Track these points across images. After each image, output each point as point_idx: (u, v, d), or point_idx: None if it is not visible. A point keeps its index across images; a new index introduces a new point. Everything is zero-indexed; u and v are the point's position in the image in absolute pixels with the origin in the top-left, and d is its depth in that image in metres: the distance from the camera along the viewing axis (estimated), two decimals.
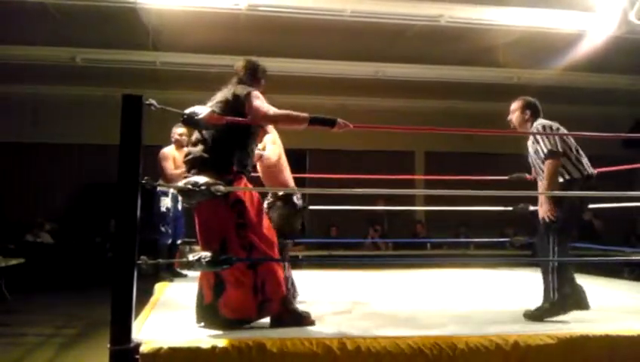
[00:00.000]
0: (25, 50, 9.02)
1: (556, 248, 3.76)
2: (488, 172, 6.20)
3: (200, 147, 3.28)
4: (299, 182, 5.26)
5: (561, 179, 3.87)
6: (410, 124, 10.07)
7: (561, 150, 3.84)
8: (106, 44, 9.10)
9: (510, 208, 5.77)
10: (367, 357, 2.73)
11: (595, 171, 3.98)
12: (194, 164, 3.24)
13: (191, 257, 2.97)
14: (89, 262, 10.11)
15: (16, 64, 9.41)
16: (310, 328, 3.22)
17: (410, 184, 12.25)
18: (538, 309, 3.67)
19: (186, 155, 3.35)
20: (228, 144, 3.26)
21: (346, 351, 2.73)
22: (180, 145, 6.01)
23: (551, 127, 3.95)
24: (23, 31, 8.55)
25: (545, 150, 3.84)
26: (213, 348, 2.65)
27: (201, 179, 2.94)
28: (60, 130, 11.54)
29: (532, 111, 4.12)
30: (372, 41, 9.23)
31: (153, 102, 2.84)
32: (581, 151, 3.98)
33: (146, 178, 2.74)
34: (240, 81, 3.47)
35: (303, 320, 3.30)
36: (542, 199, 3.86)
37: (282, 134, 4.32)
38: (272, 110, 3.29)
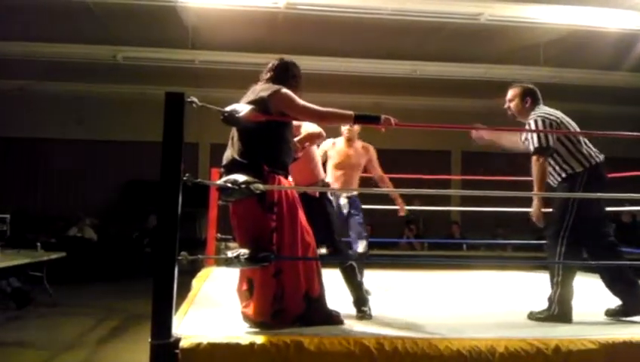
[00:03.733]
0: (68, 47, 9.21)
1: (563, 255, 3.61)
2: (526, 172, 6.09)
3: (229, 150, 3.28)
4: None
5: (563, 175, 3.71)
6: (447, 123, 9.98)
7: (551, 145, 3.64)
8: (146, 42, 9.24)
9: (550, 210, 5.66)
10: (404, 358, 2.71)
11: (600, 158, 3.73)
12: (229, 169, 3.21)
13: (229, 254, 2.99)
14: (127, 256, 10.30)
15: (60, 62, 9.62)
16: (348, 328, 3.22)
17: (446, 184, 12.15)
18: (540, 313, 3.65)
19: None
20: (257, 144, 3.20)
21: (384, 352, 2.71)
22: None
23: (549, 120, 3.71)
24: (65, 29, 8.74)
25: (533, 145, 3.67)
26: (252, 344, 2.67)
27: (241, 177, 2.96)
28: (101, 127, 11.80)
29: (532, 99, 3.93)
30: (409, 39, 9.16)
31: (195, 99, 2.87)
32: (583, 140, 3.74)
33: (187, 175, 2.76)
34: (270, 79, 3.43)
35: (331, 318, 3.29)
36: (534, 200, 3.72)
37: None
38: (318, 107, 3.27)
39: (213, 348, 2.63)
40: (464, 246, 10.62)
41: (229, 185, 2.97)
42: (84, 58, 9.56)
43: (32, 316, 7.00)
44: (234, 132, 3.31)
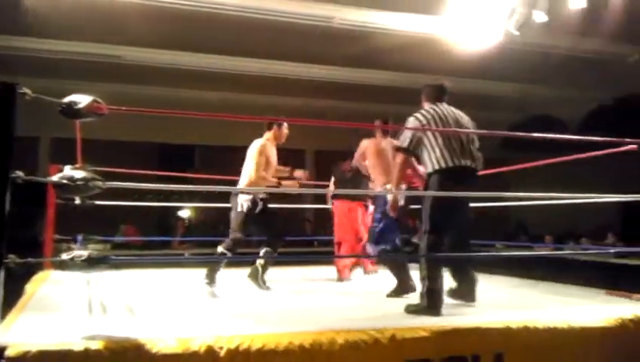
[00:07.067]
0: None
1: (425, 250, 3.85)
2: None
3: None
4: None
5: (430, 170, 3.92)
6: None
7: (409, 145, 3.93)
8: None
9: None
10: (243, 355, 2.70)
11: (455, 163, 3.85)
12: None
13: (64, 256, 2.79)
14: None
15: None
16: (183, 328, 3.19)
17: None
18: (413, 306, 3.83)
19: None
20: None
21: (227, 350, 2.69)
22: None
23: (418, 118, 3.93)
24: None
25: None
26: (86, 350, 2.52)
27: (79, 174, 2.78)
28: None
29: (426, 96, 4.17)
30: (262, 37, 9.17)
31: (28, 90, 2.67)
32: (453, 144, 3.88)
33: (17, 171, 2.57)
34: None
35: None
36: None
37: None
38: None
39: (43, 355, 2.46)
40: (315, 243, 10.82)
41: (65, 181, 2.78)
42: None
43: None
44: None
